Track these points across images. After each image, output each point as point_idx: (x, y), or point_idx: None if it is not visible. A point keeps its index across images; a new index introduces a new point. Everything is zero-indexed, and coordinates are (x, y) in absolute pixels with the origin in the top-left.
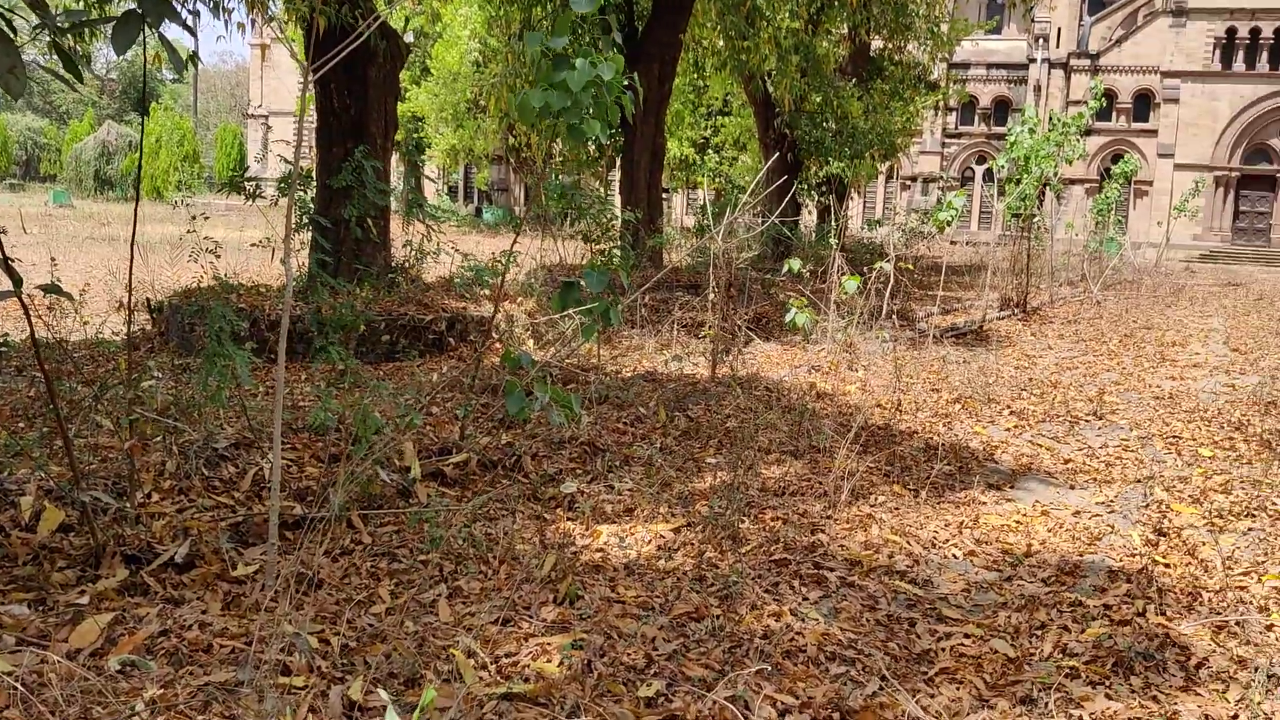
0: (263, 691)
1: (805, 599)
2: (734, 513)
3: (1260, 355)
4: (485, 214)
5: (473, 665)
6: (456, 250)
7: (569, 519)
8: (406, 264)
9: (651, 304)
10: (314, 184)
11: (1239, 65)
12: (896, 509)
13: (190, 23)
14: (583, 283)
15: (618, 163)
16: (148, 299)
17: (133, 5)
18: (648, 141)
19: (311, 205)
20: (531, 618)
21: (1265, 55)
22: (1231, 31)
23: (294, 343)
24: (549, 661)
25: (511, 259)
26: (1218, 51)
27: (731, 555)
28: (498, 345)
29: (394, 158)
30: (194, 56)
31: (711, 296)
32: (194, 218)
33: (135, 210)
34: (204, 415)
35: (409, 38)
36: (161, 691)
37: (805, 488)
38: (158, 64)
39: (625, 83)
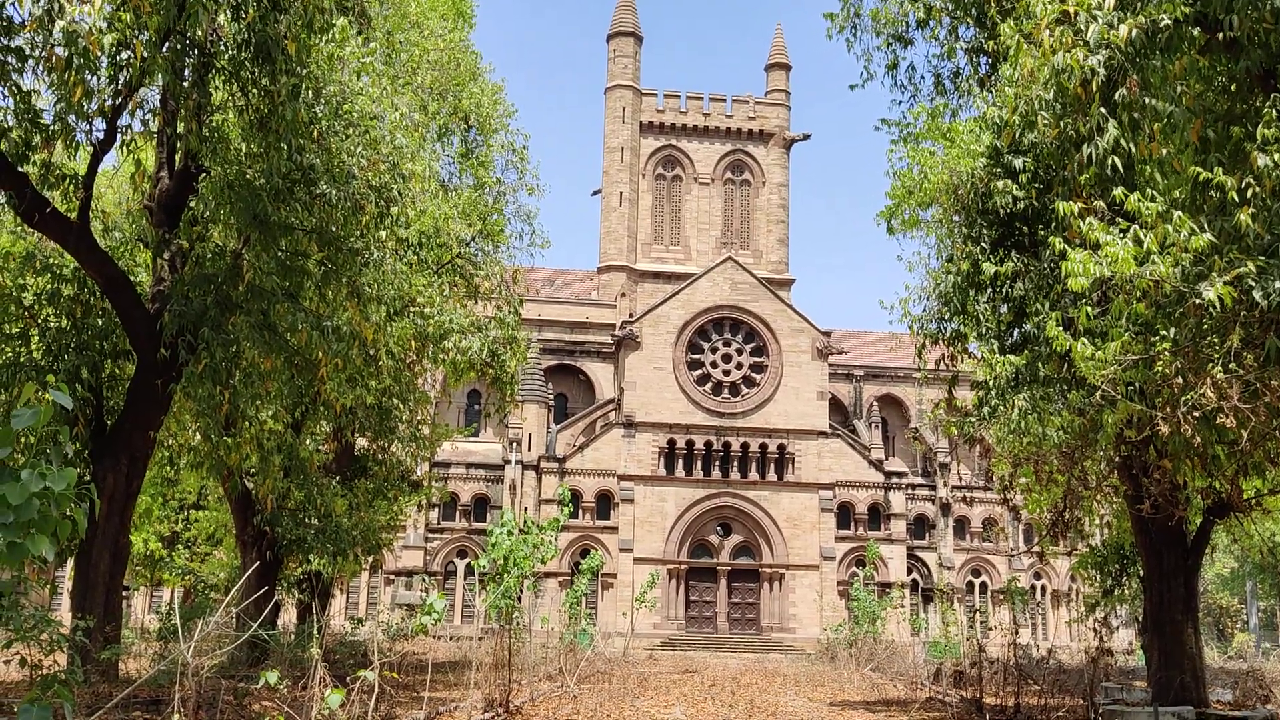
0: None
1: None
2: None
3: None
4: None
5: None
6: None
7: None
8: None
9: None
10: None
11: (680, 471)
12: None
13: None
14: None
15: (70, 561)
16: None
17: None
18: (110, 540)
19: None
20: None
21: (699, 464)
22: (671, 443)
23: None
24: None
25: None
26: (662, 459)
27: None
28: None
29: None
30: None
31: (176, 716)
32: None
33: None
34: None
35: None
36: None
37: None
38: None
39: (81, 492)
